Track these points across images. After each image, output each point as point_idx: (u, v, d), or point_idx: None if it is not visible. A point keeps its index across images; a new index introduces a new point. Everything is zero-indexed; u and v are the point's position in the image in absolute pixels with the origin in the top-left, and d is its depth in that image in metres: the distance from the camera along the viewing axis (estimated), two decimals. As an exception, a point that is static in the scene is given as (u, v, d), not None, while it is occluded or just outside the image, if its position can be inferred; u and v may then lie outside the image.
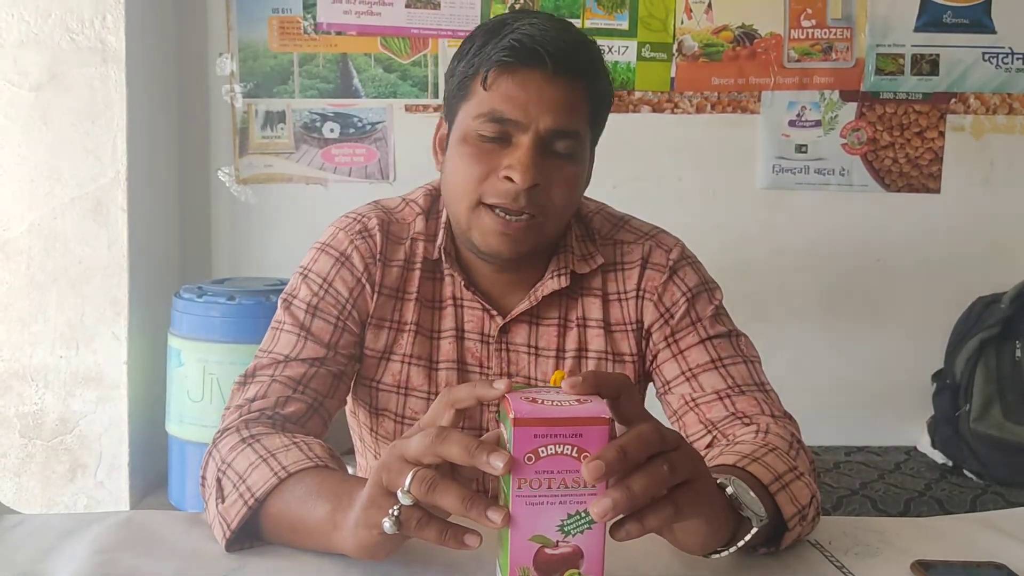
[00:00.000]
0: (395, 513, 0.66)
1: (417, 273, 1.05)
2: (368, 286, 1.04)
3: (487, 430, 1.04)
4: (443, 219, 1.06)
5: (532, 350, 1.06)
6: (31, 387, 2.19)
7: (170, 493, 2.24)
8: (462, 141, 0.97)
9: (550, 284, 1.04)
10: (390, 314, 1.05)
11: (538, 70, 0.93)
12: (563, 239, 1.05)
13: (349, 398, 1.12)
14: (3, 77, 2.14)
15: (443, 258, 1.04)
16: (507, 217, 0.95)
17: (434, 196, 1.10)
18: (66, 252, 2.17)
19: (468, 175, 0.95)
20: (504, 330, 1.05)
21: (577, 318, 1.06)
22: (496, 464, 0.61)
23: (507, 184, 0.93)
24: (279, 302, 1.05)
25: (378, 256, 1.04)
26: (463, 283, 1.04)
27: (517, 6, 2.54)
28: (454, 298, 1.06)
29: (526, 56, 0.92)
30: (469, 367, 1.06)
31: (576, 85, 0.95)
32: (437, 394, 1.04)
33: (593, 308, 1.06)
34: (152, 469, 2.31)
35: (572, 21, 2.43)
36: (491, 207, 0.95)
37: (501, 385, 0.64)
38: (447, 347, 1.05)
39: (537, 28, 0.94)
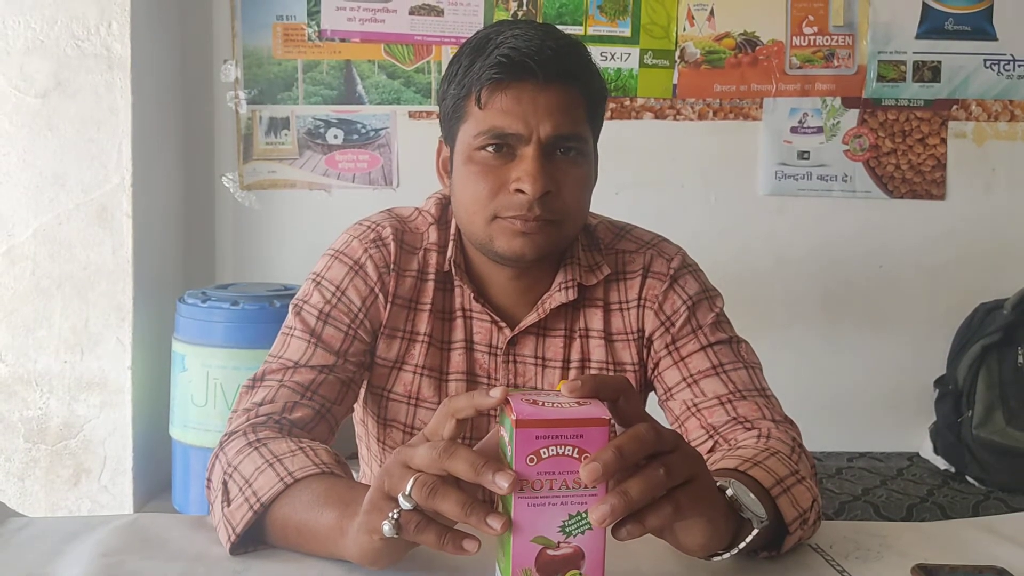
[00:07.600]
0: (394, 516, 0.66)
1: (431, 284, 1.05)
2: (381, 296, 1.04)
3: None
4: (452, 230, 1.06)
5: (539, 361, 1.06)
6: (35, 392, 2.20)
7: (174, 498, 2.24)
8: (467, 161, 0.97)
9: (558, 297, 1.03)
10: (403, 324, 1.05)
11: (529, 81, 0.93)
12: (570, 249, 1.05)
13: (358, 406, 1.12)
14: (9, 84, 2.15)
15: (452, 270, 1.04)
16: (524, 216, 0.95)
17: (444, 205, 1.10)
18: (71, 258, 2.18)
19: (479, 194, 0.96)
20: (512, 342, 1.05)
21: (580, 329, 1.06)
22: (501, 484, 0.61)
23: (519, 196, 0.94)
24: (290, 307, 1.05)
25: (392, 266, 1.04)
26: (472, 295, 1.04)
27: (520, 13, 2.55)
28: (463, 309, 1.06)
29: (515, 69, 0.92)
30: (478, 378, 1.06)
31: (569, 88, 0.95)
32: None
33: (594, 319, 1.06)
34: (156, 474, 2.31)
35: (575, 29, 2.49)
36: (507, 219, 0.95)
37: (497, 393, 0.65)
38: (457, 358, 1.05)
39: (522, 39, 0.93)
